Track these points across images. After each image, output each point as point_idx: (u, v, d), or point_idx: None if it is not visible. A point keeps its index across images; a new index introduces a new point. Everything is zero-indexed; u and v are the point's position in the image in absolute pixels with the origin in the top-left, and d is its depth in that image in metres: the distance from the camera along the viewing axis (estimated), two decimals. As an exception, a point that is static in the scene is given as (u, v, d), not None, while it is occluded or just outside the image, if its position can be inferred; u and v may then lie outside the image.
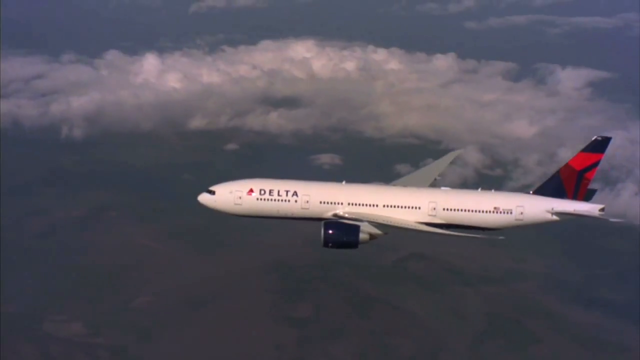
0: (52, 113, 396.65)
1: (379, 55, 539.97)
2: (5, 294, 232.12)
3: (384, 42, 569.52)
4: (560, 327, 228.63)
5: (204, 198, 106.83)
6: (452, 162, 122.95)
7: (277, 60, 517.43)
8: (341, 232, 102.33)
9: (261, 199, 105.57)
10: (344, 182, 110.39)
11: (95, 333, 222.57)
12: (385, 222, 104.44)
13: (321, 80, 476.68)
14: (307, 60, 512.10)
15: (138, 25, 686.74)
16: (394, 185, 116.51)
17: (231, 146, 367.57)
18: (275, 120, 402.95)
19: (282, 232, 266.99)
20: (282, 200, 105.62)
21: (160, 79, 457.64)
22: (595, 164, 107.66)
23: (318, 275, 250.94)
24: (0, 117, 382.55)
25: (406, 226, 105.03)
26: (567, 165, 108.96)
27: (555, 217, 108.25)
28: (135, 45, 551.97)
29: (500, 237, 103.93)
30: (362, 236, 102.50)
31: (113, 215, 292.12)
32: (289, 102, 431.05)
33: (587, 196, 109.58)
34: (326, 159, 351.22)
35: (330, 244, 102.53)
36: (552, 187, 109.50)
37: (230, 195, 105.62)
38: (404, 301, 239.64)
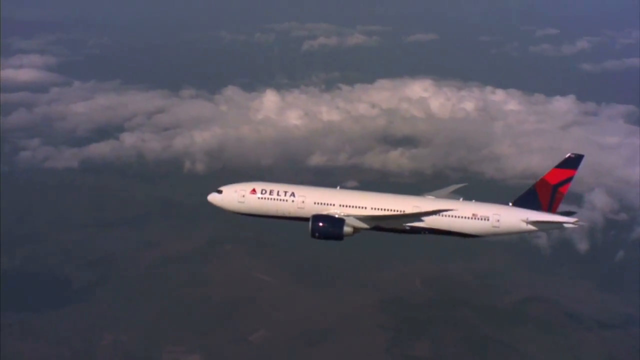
0: (176, 147, 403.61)
1: (497, 96, 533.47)
2: (123, 323, 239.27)
3: (500, 82, 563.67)
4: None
5: (212, 197, 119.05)
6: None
7: (395, 99, 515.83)
8: (327, 224, 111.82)
9: (262, 198, 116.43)
10: (338, 188, 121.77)
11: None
12: (371, 214, 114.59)
13: (440, 120, 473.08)
14: (424, 99, 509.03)
15: (253, 62, 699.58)
16: None
17: (351, 184, 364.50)
18: (395, 159, 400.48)
19: (399, 269, 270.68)
20: (280, 200, 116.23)
21: (281, 115, 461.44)
22: (569, 179, 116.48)
23: (437, 315, 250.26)
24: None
25: (388, 214, 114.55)
26: (542, 180, 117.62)
27: (531, 227, 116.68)
28: (253, 82, 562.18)
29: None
30: (347, 229, 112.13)
31: (228, 248, 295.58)
32: (408, 141, 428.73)
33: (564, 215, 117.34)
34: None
35: (317, 234, 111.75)
36: (528, 200, 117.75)
37: (235, 194, 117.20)
38: (523, 343, 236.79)
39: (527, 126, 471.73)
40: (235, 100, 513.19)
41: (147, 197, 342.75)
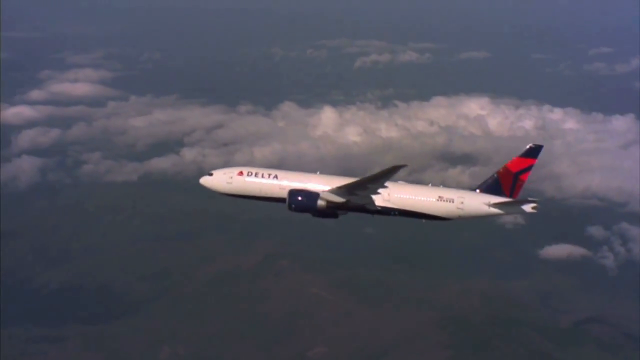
0: (237, 162, 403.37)
1: (555, 114, 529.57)
2: (180, 337, 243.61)
3: (556, 100, 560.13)
4: None
5: (204, 179, 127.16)
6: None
7: (452, 117, 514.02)
8: (302, 197, 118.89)
9: (249, 181, 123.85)
10: (318, 173, 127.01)
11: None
12: (340, 185, 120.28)
13: (498, 138, 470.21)
14: (482, 117, 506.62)
15: (307, 78, 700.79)
16: None
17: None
18: (455, 177, 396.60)
19: (458, 287, 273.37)
20: (266, 183, 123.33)
21: (339, 132, 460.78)
22: (529, 168, 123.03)
23: (497, 333, 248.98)
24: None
25: (354, 181, 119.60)
26: (504, 168, 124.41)
27: (493, 210, 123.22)
28: (308, 98, 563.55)
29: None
30: (320, 202, 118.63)
31: (285, 264, 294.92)
32: (467, 159, 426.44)
33: (524, 200, 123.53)
34: (508, 218, 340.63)
35: (293, 206, 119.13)
36: (491, 186, 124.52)
37: (224, 176, 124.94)
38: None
39: (587, 145, 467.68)
40: (292, 116, 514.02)
41: (205, 212, 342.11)
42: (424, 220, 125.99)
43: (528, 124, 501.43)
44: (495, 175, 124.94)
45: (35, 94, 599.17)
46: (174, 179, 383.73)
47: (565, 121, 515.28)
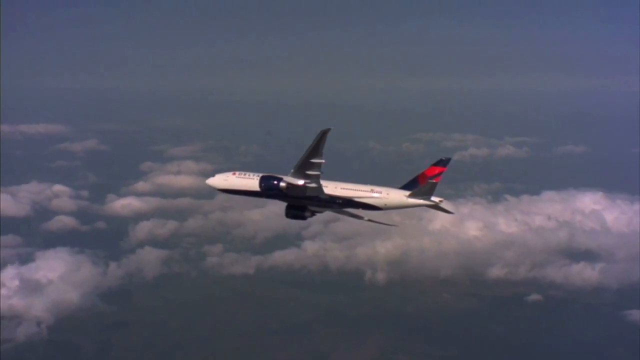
0: (359, 257, 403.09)
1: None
2: None
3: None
4: None
5: (209, 180, 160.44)
6: None
7: (567, 211, 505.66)
8: (269, 179, 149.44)
9: (239, 178, 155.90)
10: (289, 174, 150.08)
11: None
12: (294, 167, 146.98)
13: (619, 234, 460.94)
14: (598, 212, 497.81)
15: (407, 172, 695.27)
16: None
17: (534, 297, 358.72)
18: (578, 273, 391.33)
19: None
20: (250, 179, 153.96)
21: (459, 226, 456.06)
22: (441, 173, 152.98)
23: None
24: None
25: (302, 157, 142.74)
26: (422, 173, 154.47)
27: (411, 200, 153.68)
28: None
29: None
30: (282, 184, 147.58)
31: (403, 359, 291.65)
32: (588, 255, 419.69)
33: (431, 187, 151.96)
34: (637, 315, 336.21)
35: (263, 185, 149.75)
36: (411, 185, 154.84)
37: (223, 176, 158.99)
38: None
39: None
40: (405, 210, 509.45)
41: (317, 306, 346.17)
42: (365, 219, 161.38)
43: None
44: (415, 178, 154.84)
45: (140, 186, 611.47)
46: (298, 272, 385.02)
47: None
